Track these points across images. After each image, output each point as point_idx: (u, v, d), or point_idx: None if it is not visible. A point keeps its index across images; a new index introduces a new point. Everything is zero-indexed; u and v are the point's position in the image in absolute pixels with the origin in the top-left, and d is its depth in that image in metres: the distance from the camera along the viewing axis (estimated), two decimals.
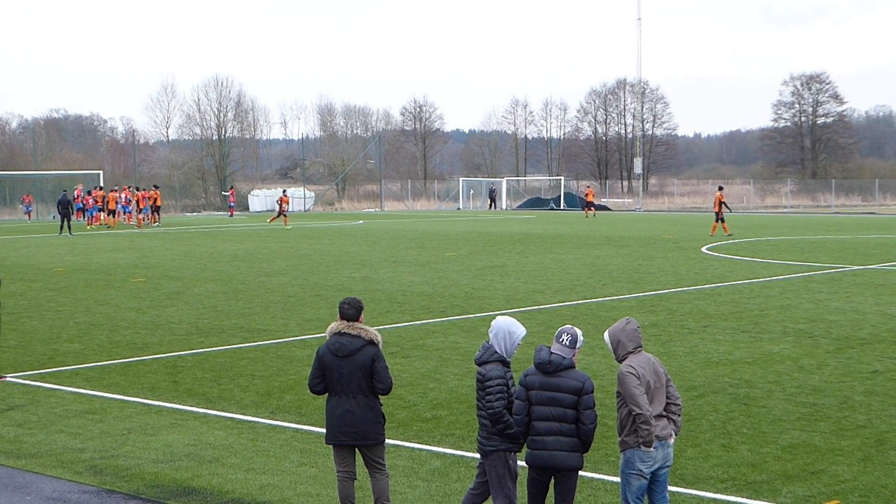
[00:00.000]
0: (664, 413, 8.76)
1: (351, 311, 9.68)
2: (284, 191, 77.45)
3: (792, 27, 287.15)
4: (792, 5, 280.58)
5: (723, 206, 52.67)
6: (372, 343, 9.62)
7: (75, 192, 67.21)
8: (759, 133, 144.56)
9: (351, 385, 9.55)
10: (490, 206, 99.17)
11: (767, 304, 24.84)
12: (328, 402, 9.74)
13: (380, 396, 9.73)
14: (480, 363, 9.08)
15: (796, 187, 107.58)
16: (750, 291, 27.36)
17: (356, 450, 9.81)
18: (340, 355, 9.57)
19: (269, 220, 69.20)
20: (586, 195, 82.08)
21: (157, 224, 65.61)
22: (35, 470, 11.68)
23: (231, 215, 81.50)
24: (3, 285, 18.96)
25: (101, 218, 66.31)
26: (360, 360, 9.54)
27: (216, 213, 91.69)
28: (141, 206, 65.74)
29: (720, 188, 56.16)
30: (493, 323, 9.23)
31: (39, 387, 16.14)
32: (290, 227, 62.06)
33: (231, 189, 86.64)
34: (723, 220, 52.55)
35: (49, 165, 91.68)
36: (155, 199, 66.70)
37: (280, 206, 67.20)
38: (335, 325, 9.74)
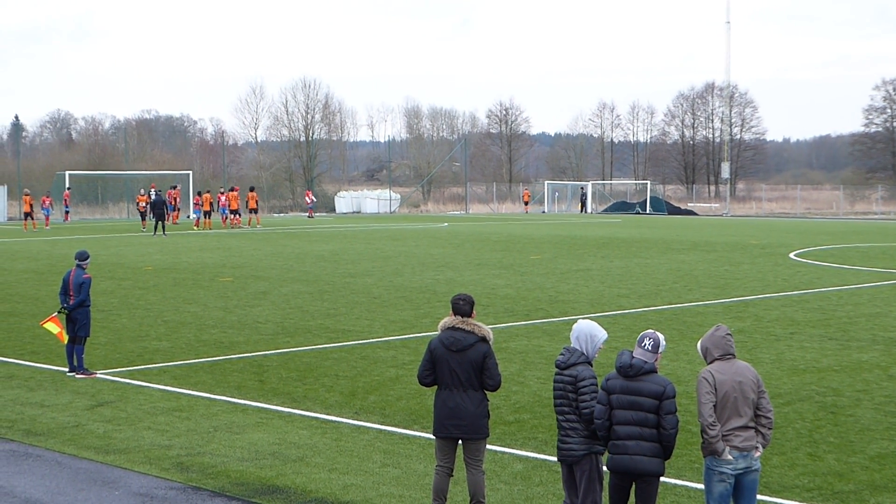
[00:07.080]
0: (751, 425, 8.66)
1: (465, 306, 9.91)
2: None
3: None
4: None
5: None
6: (484, 340, 9.82)
7: (175, 194, 67.44)
8: (850, 138, 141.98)
9: (462, 379, 9.73)
10: (581, 208, 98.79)
11: (856, 311, 24.46)
12: (438, 395, 9.92)
13: (487, 393, 9.90)
14: (566, 367, 9.09)
15: (887, 193, 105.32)
16: (838, 298, 26.95)
17: (457, 446, 9.96)
18: (454, 350, 9.75)
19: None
20: (523, 195, 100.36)
21: (238, 226, 64.02)
22: (123, 465, 11.90)
23: (311, 216, 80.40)
24: (94, 283, 19.36)
25: (198, 220, 64.71)
26: (472, 356, 9.72)
27: (302, 213, 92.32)
28: (233, 208, 64.93)
29: None
30: (574, 326, 9.27)
31: (128, 384, 16.44)
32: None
33: (308, 191, 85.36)
34: None
35: (140, 165, 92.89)
36: (229, 202, 65.30)
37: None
38: (448, 319, 9.93)
